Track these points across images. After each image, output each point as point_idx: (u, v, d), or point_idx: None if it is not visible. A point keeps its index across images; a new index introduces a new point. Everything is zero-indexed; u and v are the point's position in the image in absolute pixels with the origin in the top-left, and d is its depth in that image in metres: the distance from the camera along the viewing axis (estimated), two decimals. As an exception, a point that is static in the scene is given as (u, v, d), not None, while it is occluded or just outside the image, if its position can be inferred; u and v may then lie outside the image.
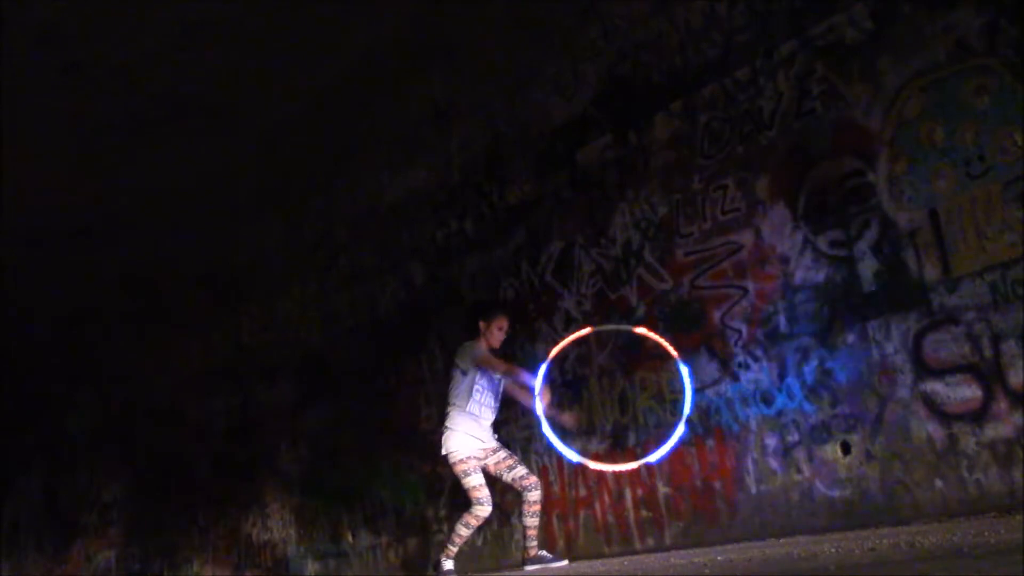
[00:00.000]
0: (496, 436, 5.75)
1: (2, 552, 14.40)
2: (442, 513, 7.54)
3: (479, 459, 5.58)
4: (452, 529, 5.68)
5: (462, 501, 7.08)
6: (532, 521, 5.55)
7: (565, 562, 5.56)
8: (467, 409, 5.58)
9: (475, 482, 5.50)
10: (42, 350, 12.73)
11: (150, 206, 9.22)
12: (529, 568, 5.48)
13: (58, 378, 13.16)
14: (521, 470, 5.60)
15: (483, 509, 5.48)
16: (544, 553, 5.57)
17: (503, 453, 5.65)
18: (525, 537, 5.58)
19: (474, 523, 5.51)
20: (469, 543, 5.71)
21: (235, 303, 10.32)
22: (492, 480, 5.65)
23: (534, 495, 5.53)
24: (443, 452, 5.62)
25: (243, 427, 10.10)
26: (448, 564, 5.52)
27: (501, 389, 5.77)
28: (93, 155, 8.26)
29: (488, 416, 5.67)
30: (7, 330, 11.66)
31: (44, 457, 13.91)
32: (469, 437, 5.56)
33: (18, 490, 14.48)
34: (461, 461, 5.54)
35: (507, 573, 6.03)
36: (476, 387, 5.60)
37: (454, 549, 5.55)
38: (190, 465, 10.77)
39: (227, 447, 10.27)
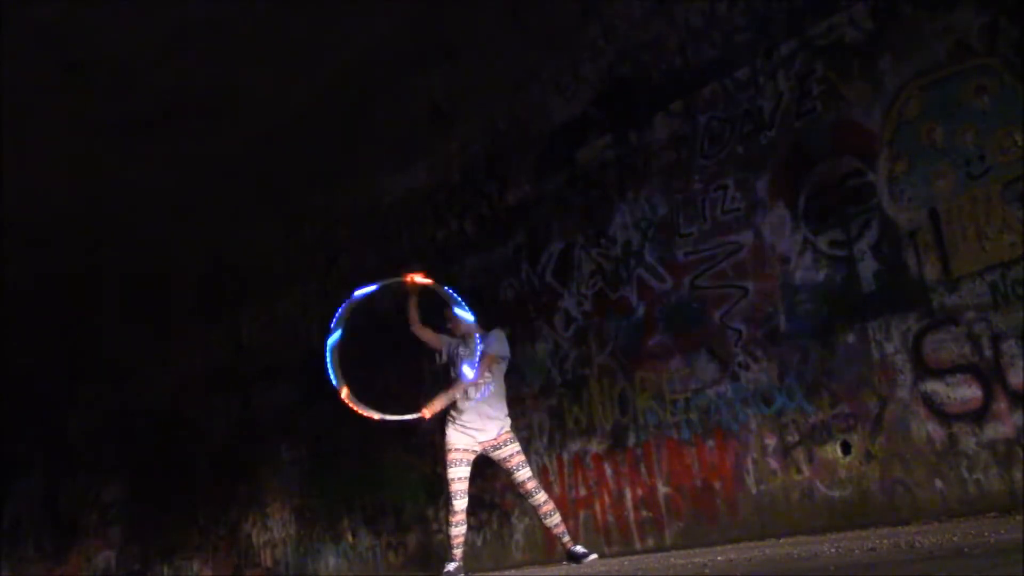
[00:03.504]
0: (505, 428, 5.52)
1: (2, 552, 14.40)
2: (442, 513, 7.54)
3: (471, 451, 5.51)
4: (447, 534, 5.66)
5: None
6: (550, 521, 5.49)
7: (595, 556, 5.50)
8: (462, 399, 5.51)
9: (453, 475, 5.44)
10: (42, 350, 12.73)
11: (150, 206, 9.22)
12: (569, 563, 5.46)
13: (58, 378, 13.16)
14: (522, 474, 5.48)
15: (456, 503, 5.43)
16: (577, 549, 5.50)
17: (510, 449, 5.50)
18: (555, 537, 5.58)
19: (452, 519, 5.45)
20: (469, 543, 5.67)
21: (235, 303, 10.32)
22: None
23: (536, 499, 5.48)
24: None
25: (243, 427, 10.10)
26: (450, 567, 5.48)
27: (493, 372, 5.55)
28: (93, 155, 8.26)
29: (485, 406, 5.50)
30: (7, 330, 11.66)
31: (44, 457, 13.91)
32: (462, 429, 5.50)
33: (18, 490, 14.48)
34: (446, 451, 5.52)
35: (507, 573, 6.03)
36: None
37: (457, 551, 5.50)
38: (190, 465, 10.77)
39: (227, 447, 10.27)
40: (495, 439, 5.51)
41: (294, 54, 7.25)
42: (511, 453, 5.51)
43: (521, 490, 5.53)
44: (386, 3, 6.82)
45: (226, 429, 10.35)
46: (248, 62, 7.23)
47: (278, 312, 9.77)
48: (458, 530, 5.48)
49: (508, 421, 5.59)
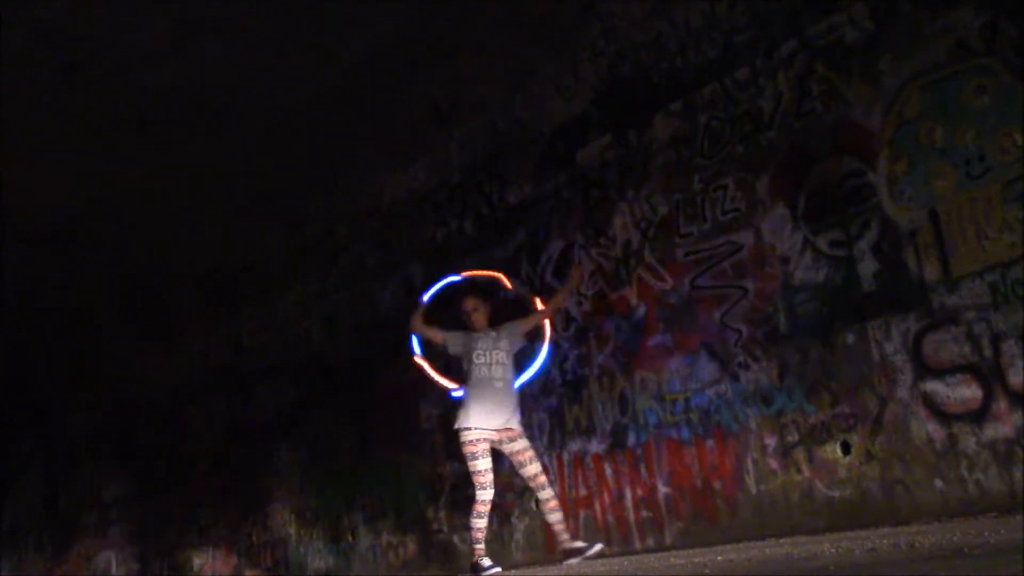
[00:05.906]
0: (519, 420, 5.66)
1: (2, 552, 14.41)
2: (442, 513, 7.54)
3: (488, 440, 5.52)
4: (467, 527, 5.66)
5: (462, 497, 7.10)
6: (552, 517, 5.51)
7: (600, 545, 5.49)
8: (472, 386, 5.59)
9: (481, 466, 5.48)
10: (42, 350, 12.72)
11: (150, 206, 9.21)
12: (571, 561, 5.45)
13: (58, 378, 13.16)
14: (532, 468, 5.54)
15: (485, 493, 5.44)
16: (577, 544, 5.51)
17: (520, 444, 5.57)
18: (555, 534, 5.59)
19: (481, 509, 5.46)
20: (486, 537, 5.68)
21: (235, 303, 10.32)
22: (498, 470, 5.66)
23: (543, 494, 5.50)
24: (454, 427, 5.60)
25: (243, 427, 10.10)
26: (485, 562, 5.48)
27: (510, 358, 5.72)
28: (93, 155, 8.26)
29: (499, 393, 5.58)
30: (7, 330, 11.65)
31: (44, 457, 13.91)
32: (480, 414, 5.51)
33: (18, 490, 14.48)
34: (470, 442, 5.51)
35: (507, 573, 6.03)
36: (474, 363, 5.63)
37: (481, 547, 5.50)
38: (190, 465, 10.77)
39: (227, 447, 10.26)
40: (511, 431, 5.56)
41: (294, 54, 7.25)
42: (522, 447, 5.57)
43: (529, 484, 5.62)
44: (386, 3, 6.81)
45: (226, 429, 10.34)
46: (248, 62, 7.23)
47: (278, 312, 9.77)
48: (481, 521, 5.48)
49: (518, 415, 5.67)
